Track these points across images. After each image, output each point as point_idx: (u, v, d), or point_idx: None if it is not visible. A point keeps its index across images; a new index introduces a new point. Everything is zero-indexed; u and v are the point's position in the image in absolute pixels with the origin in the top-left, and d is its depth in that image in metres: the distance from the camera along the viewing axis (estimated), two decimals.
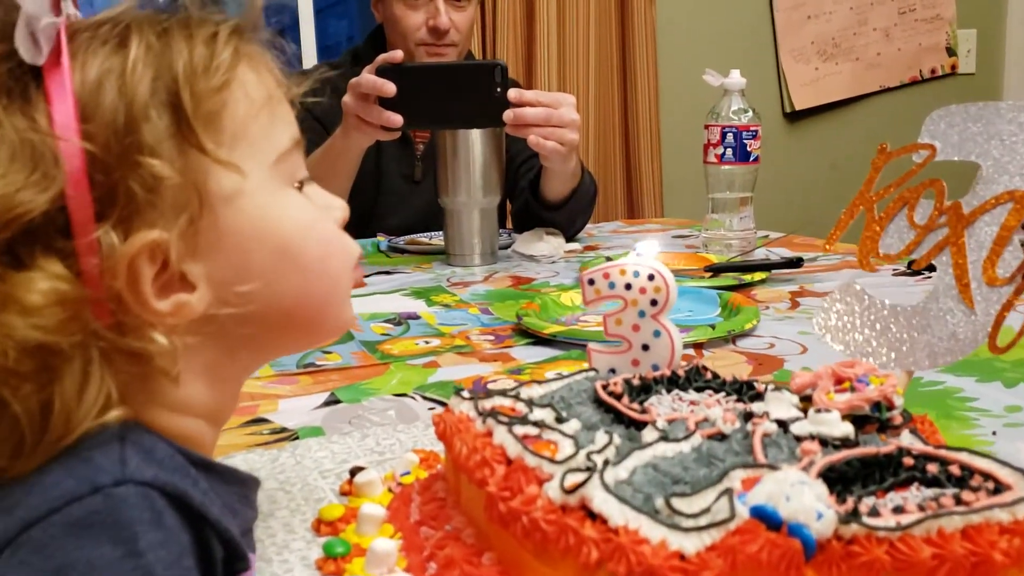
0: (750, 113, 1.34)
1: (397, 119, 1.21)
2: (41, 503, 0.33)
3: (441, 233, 1.39)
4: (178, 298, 0.37)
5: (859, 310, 0.53)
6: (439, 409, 0.71)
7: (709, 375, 0.54)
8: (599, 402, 0.50)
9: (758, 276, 1.16)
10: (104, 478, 0.34)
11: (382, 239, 1.52)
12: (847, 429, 0.44)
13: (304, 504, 0.53)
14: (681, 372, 0.54)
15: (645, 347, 0.56)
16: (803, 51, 2.79)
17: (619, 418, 0.49)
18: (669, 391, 0.52)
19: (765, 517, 0.36)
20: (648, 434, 0.44)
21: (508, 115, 1.24)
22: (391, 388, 0.76)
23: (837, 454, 0.41)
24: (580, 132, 1.32)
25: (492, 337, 0.92)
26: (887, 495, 0.39)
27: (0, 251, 0.33)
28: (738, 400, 0.50)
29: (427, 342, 0.90)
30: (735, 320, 0.93)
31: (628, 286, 0.56)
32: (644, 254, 0.60)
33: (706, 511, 0.36)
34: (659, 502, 0.37)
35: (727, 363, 0.82)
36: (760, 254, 1.35)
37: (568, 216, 1.49)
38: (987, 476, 0.39)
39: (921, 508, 0.36)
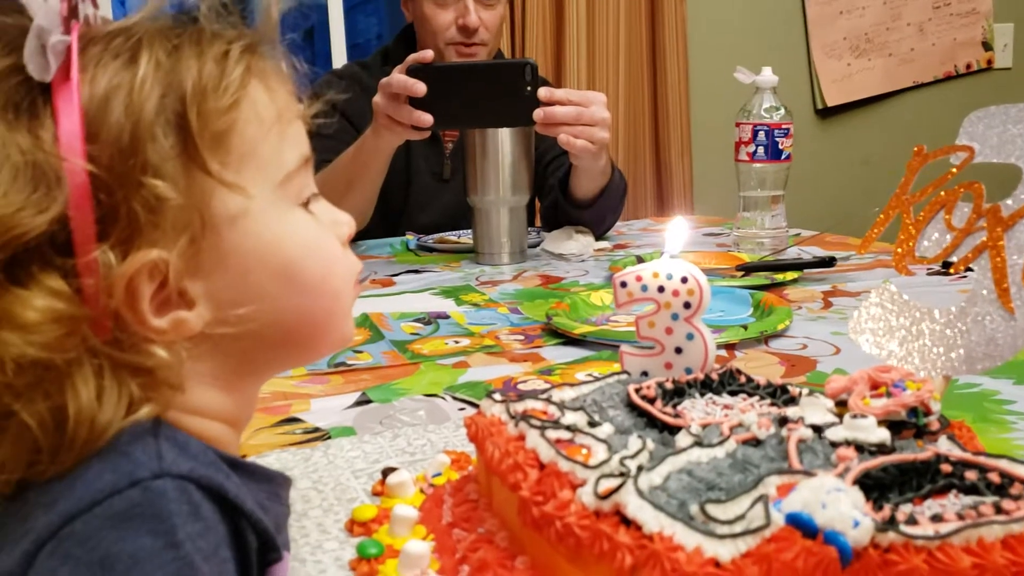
0: (782, 111, 1.33)
1: (427, 119, 1.22)
2: (83, 496, 0.34)
3: (470, 231, 1.39)
4: (176, 315, 0.37)
5: (894, 313, 0.53)
6: (469, 410, 0.71)
7: (743, 379, 0.53)
8: (632, 406, 0.50)
9: (790, 275, 1.15)
10: (142, 472, 0.34)
11: (411, 237, 1.53)
12: (883, 435, 0.43)
13: (337, 504, 0.54)
14: (715, 376, 0.53)
15: (678, 350, 0.56)
16: (835, 47, 2.75)
17: (652, 422, 0.48)
18: (703, 395, 0.52)
19: (801, 524, 0.35)
20: (682, 439, 0.44)
21: (538, 114, 1.24)
22: (421, 388, 0.76)
23: (873, 460, 0.40)
24: (610, 130, 1.32)
25: (522, 337, 0.92)
26: (924, 503, 0.39)
27: None
28: (772, 404, 0.50)
29: (456, 342, 0.90)
30: (767, 320, 0.92)
31: (661, 289, 0.55)
32: (672, 241, 0.60)
33: (741, 518, 0.36)
34: (694, 508, 0.37)
35: (759, 364, 0.82)
36: (792, 253, 1.34)
37: (598, 214, 1.48)
38: None
39: (960, 517, 0.36)
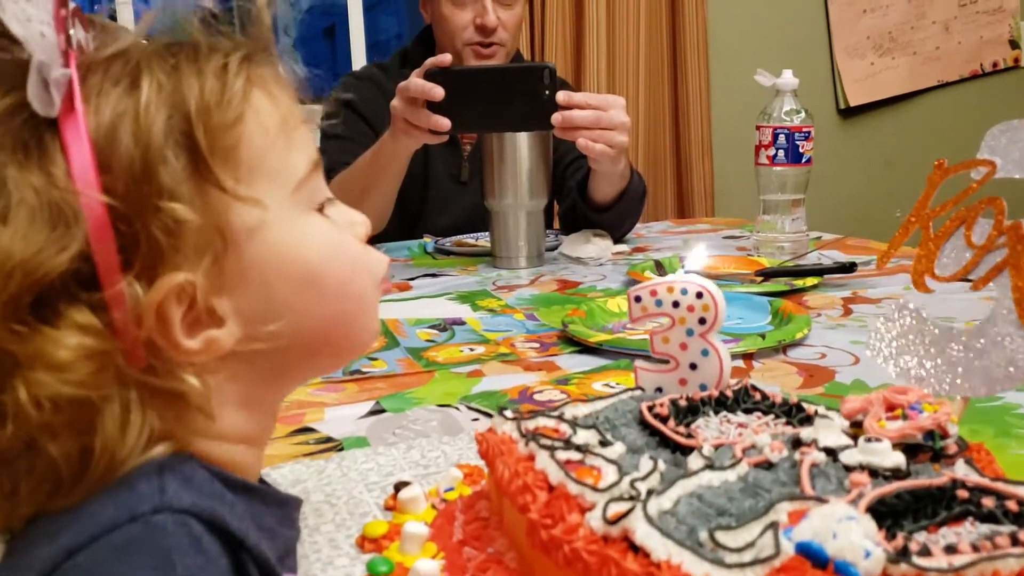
0: (803, 114, 1.32)
1: (445, 123, 1.22)
2: (84, 530, 0.34)
3: (488, 234, 1.39)
4: (208, 334, 0.37)
5: (913, 331, 0.52)
6: (483, 420, 0.71)
7: (758, 395, 0.53)
8: (645, 424, 0.50)
9: (810, 281, 1.14)
10: (143, 506, 0.34)
11: (428, 240, 1.53)
12: (898, 459, 0.42)
13: (349, 519, 0.54)
14: (729, 393, 0.53)
15: (693, 366, 0.55)
16: (858, 46, 2.73)
17: (665, 441, 0.48)
18: (717, 413, 0.52)
19: (811, 554, 0.35)
20: (694, 461, 0.43)
21: (556, 118, 1.23)
22: (436, 399, 0.76)
23: (887, 486, 0.40)
24: (630, 133, 1.31)
25: (537, 344, 0.92)
26: (939, 530, 0.38)
27: (25, 310, 0.33)
28: (787, 423, 0.50)
29: (471, 349, 0.90)
30: (786, 329, 0.91)
31: (676, 304, 0.55)
32: (692, 265, 0.59)
33: (751, 546, 0.36)
34: (703, 535, 0.36)
35: (777, 374, 0.81)
36: (813, 257, 1.33)
37: (616, 218, 1.47)
38: None
39: (975, 548, 0.35)
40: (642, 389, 0.56)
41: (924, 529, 0.38)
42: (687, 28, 2.47)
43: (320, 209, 0.43)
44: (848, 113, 2.78)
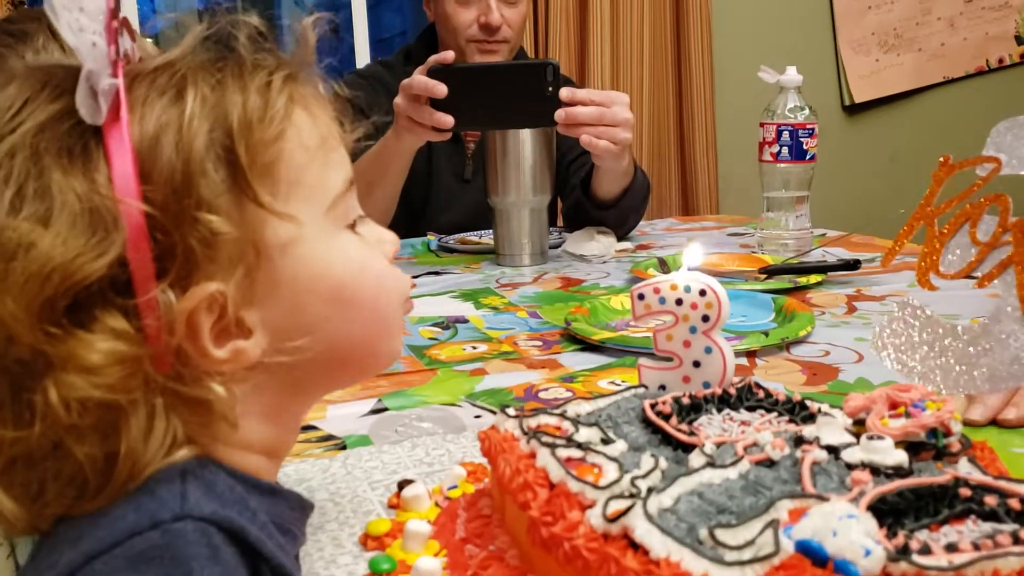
0: (806, 111, 1.31)
1: (448, 120, 1.21)
2: (105, 536, 0.34)
3: (491, 231, 1.39)
4: (235, 345, 0.38)
5: (917, 329, 0.52)
6: (485, 418, 0.71)
7: (761, 393, 0.53)
8: (647, 422, 0.50)
9: (814, 278, 1.14)
10: (164, 513, 0.34)
11: (432, 238, 1.53)
12: (900, 457, 0.42)
13: (353, 516, 0.54)
14: (732, 390, 0.53)
15: (696, 364, 0.55)
16: (863, 42, 2.72)
17: (667, 439, 0.48)
18: (720, 410, 0.52)
19: (811, 552, 0.35)
20: (695, 459, 0.43)
21: (560, 115, 1.23)
22: (438, 397, 0.76)
23: (889, 484, 0.40)
24: (633, 130, 1.31)
25: (540, 343, 0.92)
26: (941, 529, 0.38)
27: (60, 312, 0.34)
28: (790, 421, 0.49)
29: (474, 347, 0.90)
30: (789, 326, 0.91)
31: (679, 301, 0.55)
32: (689, 261, 0.59)
33: (750, 543, 0.35)
34: (703, 533, 0.36)
35: (780, 372, 0.81)
36: (817, 254, 1.32)
37: (620, 215, 1.47)
38: None
39: (976, 546, 0.35)
40: (645, 386, 0.56)
41: (926, 527, 0.38)
42: (691, 24, 2.47)
43: (352, 226, 0.44)
44: (853, 110, 2.78)
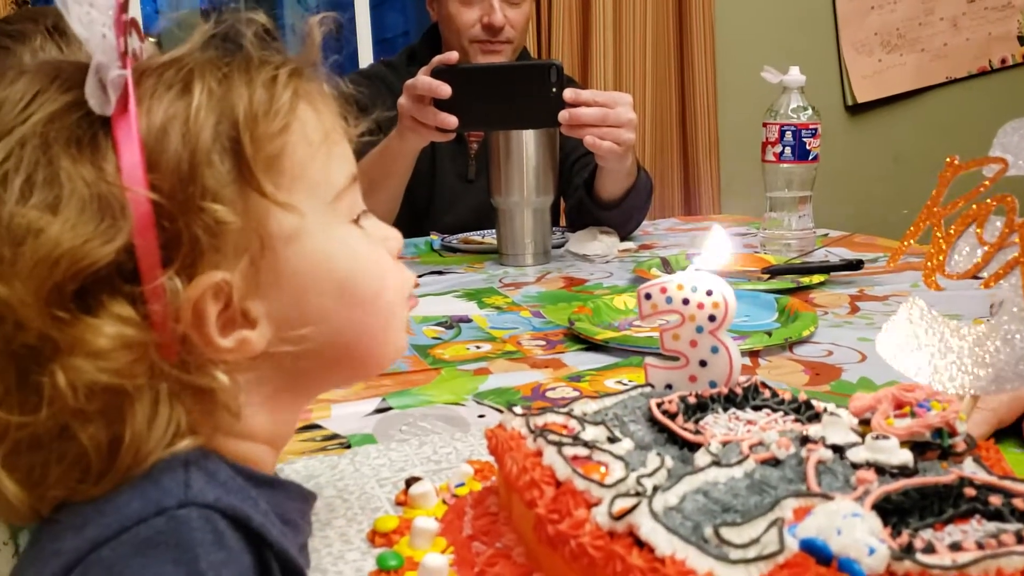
0: (809, 111, 1.31)
1: (452, 121, 1.22)
2: (111, 523, 0.34)
3: (494, 231, 1.39)
4: (240, 334, 0.38)
5: (923, 329, 0.52)
6: (488, 416, 0.71)
7: (768, 393, 0.53)
8: (654, 420, 0.50)
9: (817, 278, 1.14)
10: (169, 500, 0.35)
11: (435, 237, 1.53)
12: (905, 457, 0.42)
13: (361, 513, 0.54)
14: (739, 390, 0.53)
15: (703, 363, 0.55)
16: (866, 42, 2.72)
17: (673, 438, 0.48)
18: (726, 409, 0.52)
19: (815, 551, 0.35)
20: (700, 458, 0.44)
21: (563, 115, 1.23)
22: (443, 397, 0.76)
23: (894, 483, 0.40)
24: (637, 130, 1.31)
25: (543, 342, 0.92)
26: (945, 528, 0.38)
27: (68, 298, 0.34)
28: (796, 421, 0.50)
29: (478, 347, 0.90)
30: (792, 326, 0.91)
31: (686, 301, 0.55)
32: (712, 252, 0.59)
33: (755, 542, 0.36)
34: (708, 531, 0.37)
35: (783, 372, 0.81)
36: (819, 254, 1.32)
37: (623, 215, 1.47)
38: None
39: (980, 546, 0.35)
40: (652, 385, 0.56)
41: (930, 527, 0.38)
42: (694, 25, 2.47)
43: (356, 221, 0.44)
44: (856, 110, 2.78)
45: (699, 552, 0.35)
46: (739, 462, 0.43)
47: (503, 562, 0.45)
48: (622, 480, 0.41)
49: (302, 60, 0.43)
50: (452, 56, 1.24)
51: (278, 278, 0.40)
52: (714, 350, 0.55)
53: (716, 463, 0.43)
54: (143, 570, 0.33)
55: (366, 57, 2.52)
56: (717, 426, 0.50)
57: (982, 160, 0.52)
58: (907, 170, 2.73)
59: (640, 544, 0.37)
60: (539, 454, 0.45)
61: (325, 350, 0.42)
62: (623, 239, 1.47)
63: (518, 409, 0.51)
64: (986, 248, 0.51)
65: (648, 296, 0.56)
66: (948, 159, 0.53)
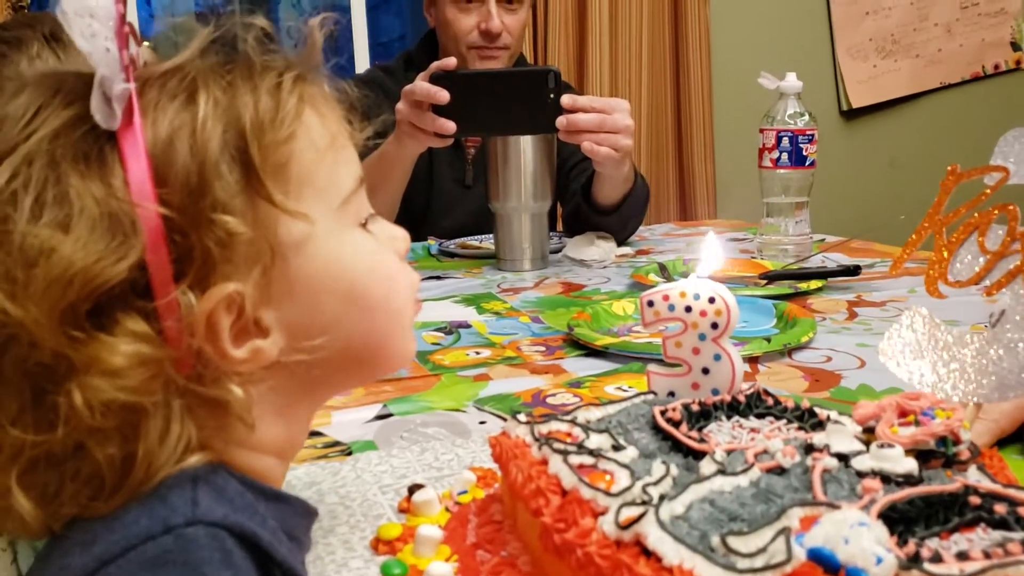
0: (806, 116, 1.32)
1: (450, 126, 1.22)
2: (119, 540, 0.34)
3: (492, 236, 1.39)
4: (253, 344, 0.38)
5: (925, 337, 0.52)
6: (490, 423, 0.71)
7: (770, 400, 0.53)
8: (658, 428, 0.50)
9: (814, 284, 1.14)
10: (176, 518, 0.35)
11: (433, 242, 1.53)
12: (910, 465, 0.43)
13: (363, 520, 0.54)
14: (742, 397, 0.53)
15: (705, 370, 0.56)
16: (861, 48, 2.73)
17: (677, 445, 0.48)
18: (729, 417, 0.52)
19: (822, 560, 0.35)
20: (706, 466, 0.44)
21: (561, 121, 1.24)
22: (443, 403, 0.76)
23: (899, 492, 0.40)
24: (634, 137, 1.31)
25: (543, 348, 0.92)
26: (951, 536, 0.39)
27: (82, 316, 0.34)
28: (800, 429, 0.50)
29: (477, 352, 0.90)
30: (791, 333, 0.92)
31: (688, 309, 0.55)
32: (706, 260, 0.59)
33: (762, 551, 0.36)
34: (715, 540, 0.37)
35: (783, 378, 0.81)
36: (816, 260, 1.33)
37: (620, 220, 1.48)
38: None
39: (987, 555, 0.35)
40: (655, 393, 0.56)
41: (936, 535, 0.38)
42: (689, 31, 2.48)
43: (363, 224, 0.44)
44: (851, 115, 2.79)
45: (707, 561, 0.35)
46: (744, 470, 0.43)
47: (508, 570, 0.45)
48: (628, 489, 0.41)
49: (304, 64, 0.43)
50: (450, 62, 1.24)
51: (290, 286, 0.39)
52: (717, 357, 0.55)
53: (721, 471, 0.43)
54: None
55: (362, 60, 2.52)
56: (721, 434, 0.50)
57: (984, 168, 0.52)
58: (902, 175, 2.74)
59: (647, 553, 0.37)
60: (544, 462, 0.45)
61: (338, 355, 0.42)
62: (620, 244, 1.47)
63: (522, 416, 0.51)
64: (988, 256, 0.51)
65: (651, 303, 0.56)
66: (949, 167, 0.53)
